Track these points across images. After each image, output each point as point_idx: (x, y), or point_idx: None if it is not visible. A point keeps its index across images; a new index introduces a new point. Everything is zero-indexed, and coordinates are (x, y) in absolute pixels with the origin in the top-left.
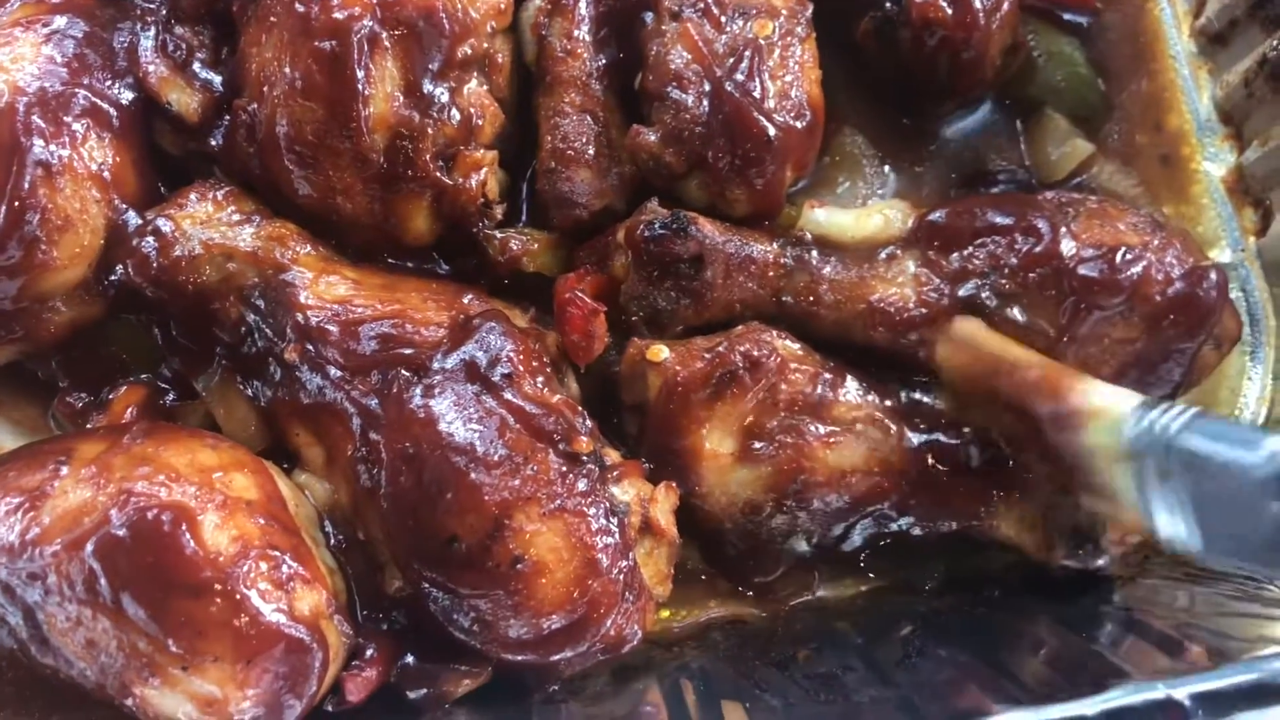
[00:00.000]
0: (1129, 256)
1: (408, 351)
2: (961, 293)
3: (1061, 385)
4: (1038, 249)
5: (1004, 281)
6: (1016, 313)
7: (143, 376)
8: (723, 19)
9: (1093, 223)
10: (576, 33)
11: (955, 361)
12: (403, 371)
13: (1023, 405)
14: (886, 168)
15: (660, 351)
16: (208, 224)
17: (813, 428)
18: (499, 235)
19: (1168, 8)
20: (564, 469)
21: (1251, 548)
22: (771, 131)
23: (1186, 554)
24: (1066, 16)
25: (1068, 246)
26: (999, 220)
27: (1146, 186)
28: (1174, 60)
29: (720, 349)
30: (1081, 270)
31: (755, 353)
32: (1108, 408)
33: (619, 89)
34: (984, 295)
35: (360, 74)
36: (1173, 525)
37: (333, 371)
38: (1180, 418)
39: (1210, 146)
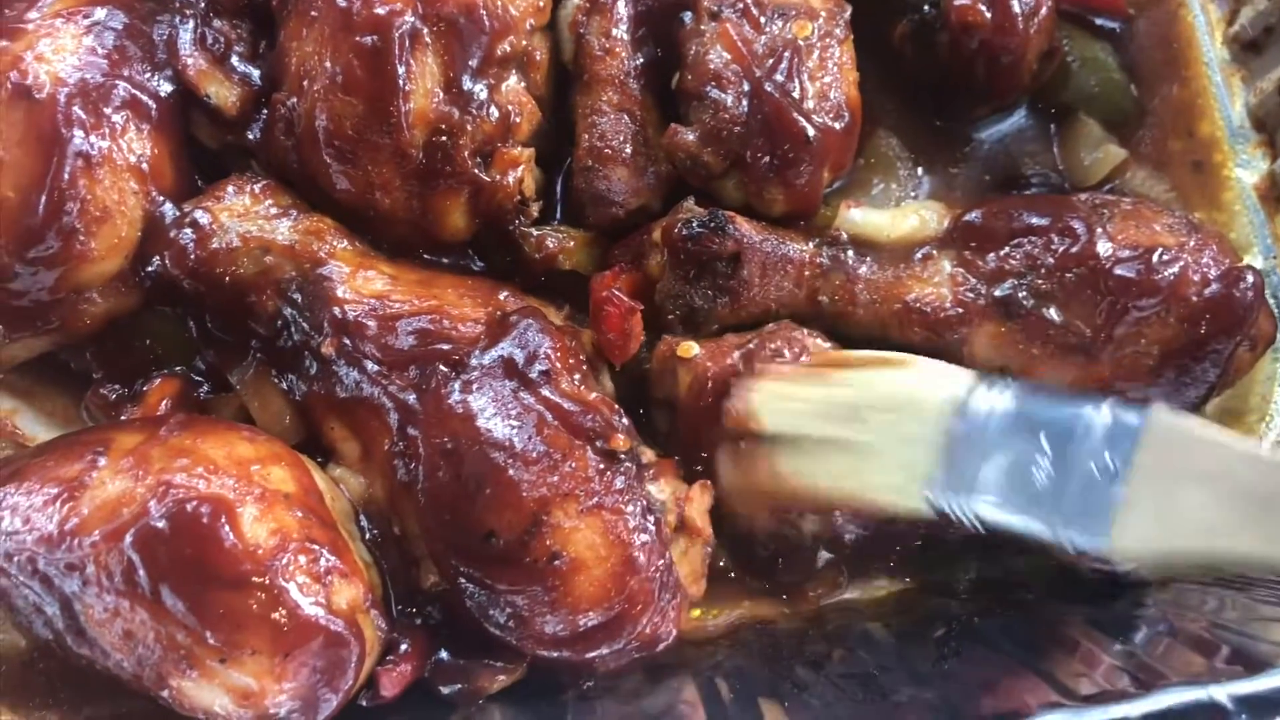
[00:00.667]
0: (1165, 257)
1: (445, 347)
2: (998, 293)
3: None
4: (1074, 249)
5: (1040, 281)
6: (1053, 313)
7: (176, 369)
8: (762, 20)
9: (1128, 224)
10: (615, 31)
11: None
12: (441, 367)
13: None
14: (920, 170)
15: (691, 348)
16: (245, 217)
17: None
18: (535, 232)
19: (1200, 14)
20: (601, 466)
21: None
22: (810, 132)
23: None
24: (1099, 22)
25: (1104, 247)
26: (1035, 221)
27: (1179, 192)
28: (1206, 67)
29: (751, 345)
30: (1118, 271)
31: (786, 350)
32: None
33: (656, 88)
34: (1020, 295)
35: (401, 70)
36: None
37: (370, 366)
38: None
39: (1243, 153)
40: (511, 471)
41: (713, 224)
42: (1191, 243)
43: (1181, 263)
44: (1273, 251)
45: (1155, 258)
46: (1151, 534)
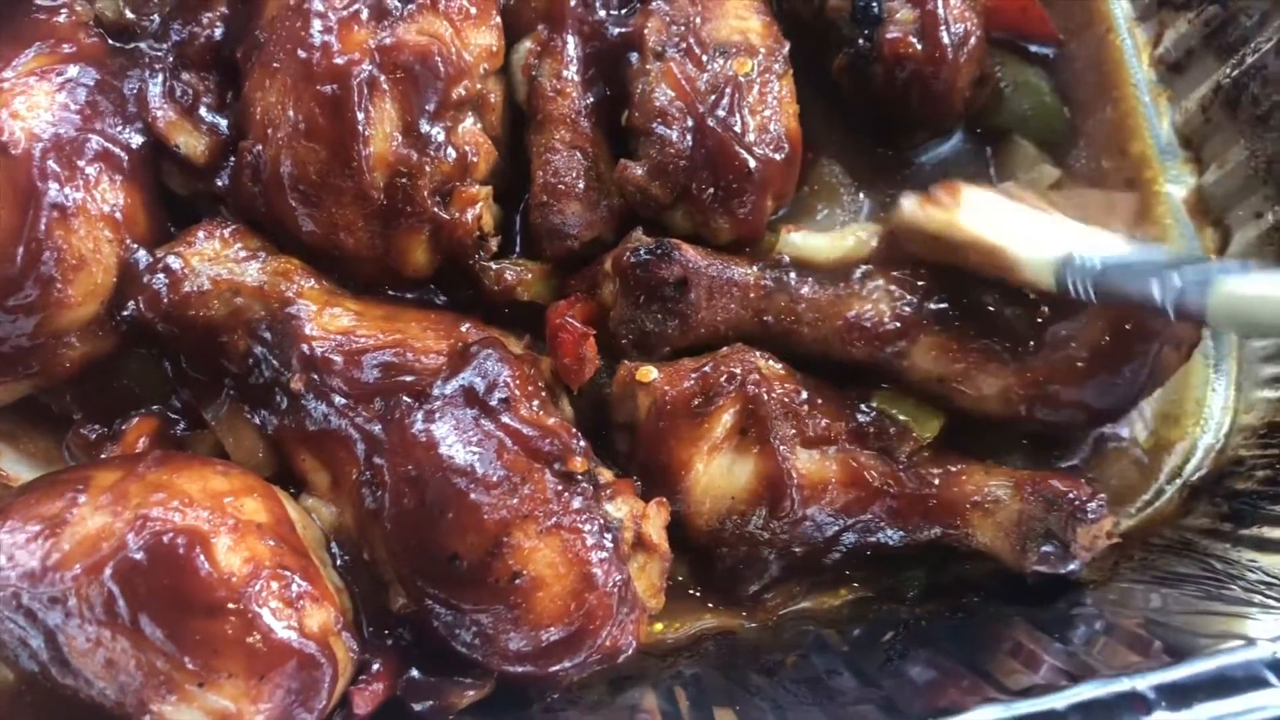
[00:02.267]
0: None
1: (409, 379)
2: (932, 305)
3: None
4: None
5: (971, 293)
6: (985, 322)
7: (154, 408)
8: (704, 58)
9: None
10: (565, 73)
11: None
12: (404, 398)
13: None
14: (862, 195)
15: (649, 372)
16: (215, 260)
17: (795, 441)
18: (494, 266)
19: (1128, 38)
20: (559, 488)
21: None
22: (752, 164)
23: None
24: (1033, 48)
25: None
26: None
27: None
28: (1135, 88)
29: (706, 369)
30: None
31: (739, 372)
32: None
33: (607, 125)
34: (951, 311)
35: (360, 116)
36: None
37: (337, 399)
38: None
39: (1172, 170)
40: (473, 495)
41: (659, 251)
42: None
43: None
44: None
45: None
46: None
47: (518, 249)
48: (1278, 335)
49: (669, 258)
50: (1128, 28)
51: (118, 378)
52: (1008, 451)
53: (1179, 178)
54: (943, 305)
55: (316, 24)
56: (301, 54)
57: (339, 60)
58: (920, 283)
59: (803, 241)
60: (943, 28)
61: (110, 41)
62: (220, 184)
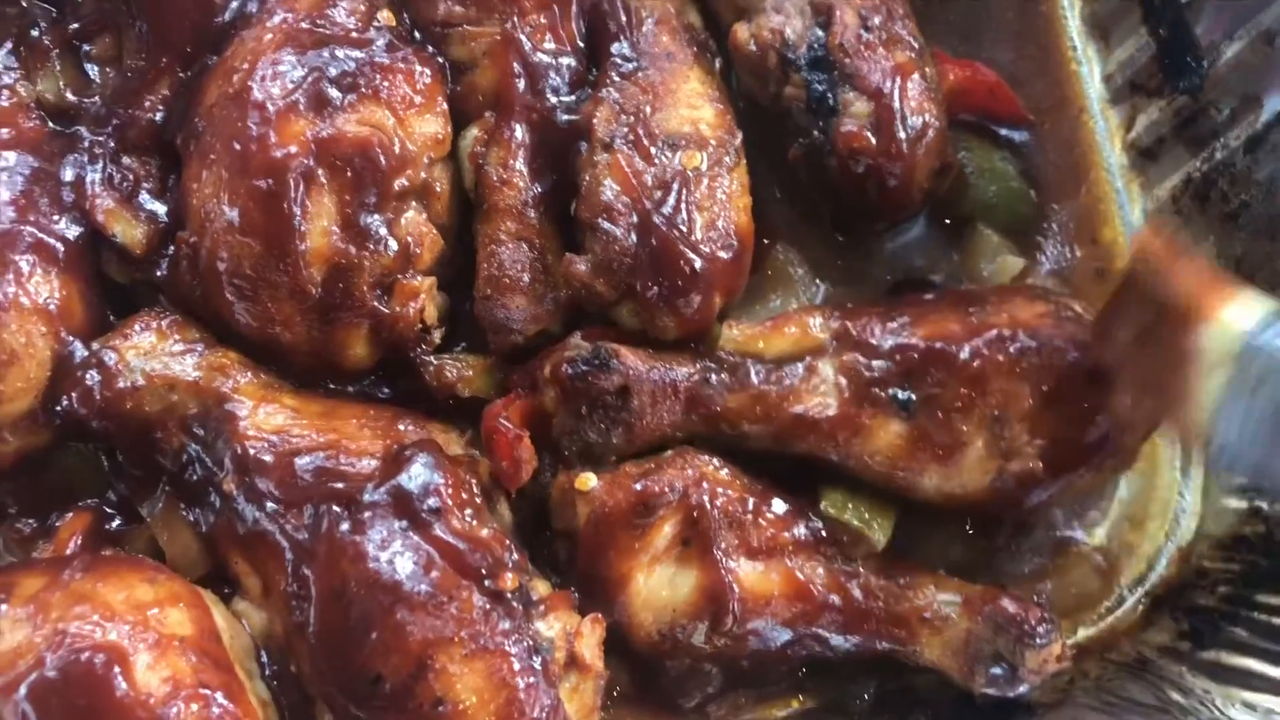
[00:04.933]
0: (1031, 345)
1: (339, 486)
2: (882, 399)
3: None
4: (945, 356)
5: (918, 386)
6: (936, 414)
7: (90, 501)
8: (652, 150)
9: (1001, 314)
10: (512, 162)
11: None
12: (334, 507)
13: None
14: (819, 282)
15: (588, 481)
16: (151, 354)
17: (739, 553)
18: (434, 361)
19: (1101, 120)
20: (487, 607)
21: None
22: (698, 264)
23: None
24: (1003, 131)
25: (969, 350)
26: (906, 324)
27: (1081, 300)
28: (1108, 172)
29: (648, 479)
30: (988, 371)
31: (680, 482)
32: (1234, 319)
33: (556, 214)
34: (901, 398)
35: (297, 211)
36: (1236, 437)
37: (268, 505)
38: None
39: None
40: (398, 614)
41: (597, 361)
42: (1054, 327)
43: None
44: None
45: (1018, 347)
46: None
47: (469, 339)
48: None
49: (607, 367)
50: (1100, 109)
51: (54, 471)
52: (948, 545)
53: None
54: (891, 396)
55: (253, 115)
56: (237, 146)
57: (276, 154)
58: (871, 374)
59: (742, 336)
60: (898, 122)
61: (50, 125)
62: (159, 274)
